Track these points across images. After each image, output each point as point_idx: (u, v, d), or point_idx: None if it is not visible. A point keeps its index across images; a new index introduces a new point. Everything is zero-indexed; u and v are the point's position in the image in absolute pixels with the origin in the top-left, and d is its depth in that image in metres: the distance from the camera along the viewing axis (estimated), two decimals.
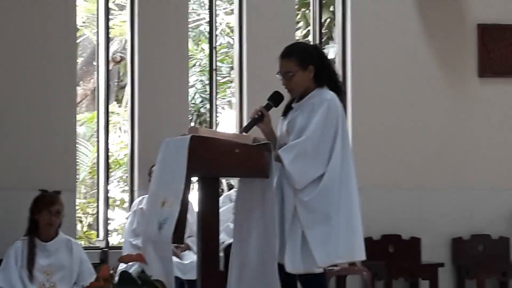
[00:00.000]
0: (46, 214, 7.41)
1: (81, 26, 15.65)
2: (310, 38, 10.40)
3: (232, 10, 13.20)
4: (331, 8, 13.60)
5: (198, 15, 16.46)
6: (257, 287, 5.76)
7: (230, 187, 9.75)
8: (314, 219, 5.76)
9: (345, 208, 5.80)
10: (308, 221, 5.76)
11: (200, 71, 16.16)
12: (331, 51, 14.04)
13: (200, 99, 16.21)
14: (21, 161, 8.53)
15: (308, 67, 5.95)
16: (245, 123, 6.27)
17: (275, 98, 6.06)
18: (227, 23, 16.12)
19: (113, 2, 15.00)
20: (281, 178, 5.83)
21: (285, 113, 6.05)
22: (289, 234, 5.78)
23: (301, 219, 5.77)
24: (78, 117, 11.55)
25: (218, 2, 11.34)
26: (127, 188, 9.40)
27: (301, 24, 15.06)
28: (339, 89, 6.04)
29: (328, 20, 14.18)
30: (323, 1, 10.14)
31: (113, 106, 15.17)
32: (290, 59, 5.96)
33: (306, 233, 5.75)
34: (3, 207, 8.35)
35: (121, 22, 15.38)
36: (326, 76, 5.98)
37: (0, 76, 8.55)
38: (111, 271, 5.71)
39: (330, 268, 8.33)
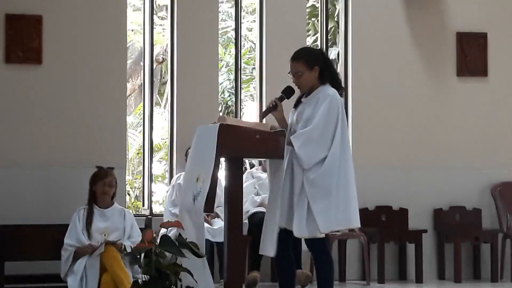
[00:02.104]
0: (101, 185, 7.47)
1: (131, 33, 15.71)
2: (318, 43, 10.37)
3: (254, 20, 13.20)
4: (336, 18, 13.57)
5: (226, 22, 16.45)
6: (265, 245, 5.83)
7: (252, 165, 9.77)
8: (318, 193, 5.78)
9: (343, 185, 5.83)
10: (313, 195, 5.78)
11: (228, 70, 16.17)
12: (334, 53, 14.03)
13: (227, 94, 16.23)
14: (82, 144, 8.57)
15: (314, 67, 5.97)
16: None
17: (288, 92, 6.11)
18: (250, 28, 16.12)
19: (156, 14, 15.02)
20: (291, 159, 5.87)
21: (295, 106, 6.10)
22: (297, 205, 5.81)
23: (307, 193, 5.79)
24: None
25: (242, 14, 11.33)
26: (167, 166, 9.43)
27: (311, 31, 15.04)
28: (339, 86, 6.06)
29: (333, 28, 14.14)
30: (329, 12, 10.11)
31: (156, 99, 15.20)
32: (299, 61, 5.99)
33: (311, 205, 5.78)
34: (68, 181, 8.42)
35: (162, 31, 15.42)
36: (328, 75, 6.00)
37: (66, 75, 8.60)
38: (154, 235, 5.76)
39: (332, 233, 8.38)
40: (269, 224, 5.79)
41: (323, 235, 5.88)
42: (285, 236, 5.82)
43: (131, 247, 6.83)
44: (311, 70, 5.96)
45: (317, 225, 5.76)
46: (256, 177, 8.87)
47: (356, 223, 5.92)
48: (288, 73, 6.04)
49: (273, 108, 6.02)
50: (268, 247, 5.77)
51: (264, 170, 8.60)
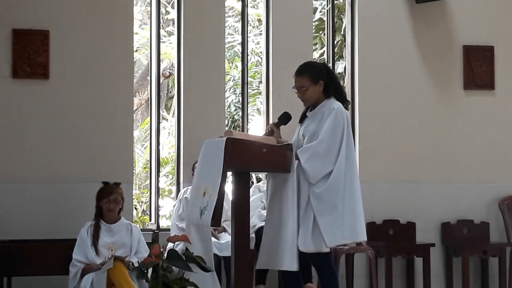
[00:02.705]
0: (106, 202, 7.49)
1: (137, 49, 15.76)
2: (324, 56, 10.38)
3: (260, 34, 13.22)
4: (342, 32, 13.59)
5: (233, 37, 16.48)
6: (283, 259, 5.79)
7: (259, 179, 9.76)
8: (323, 207, 5.79)
9: (349, 198, 5.83)
10: (319, 209, 5.79)
11: (234, 84, 16.19)
12: (341, 67, 14.04)
13: (234, 108, 16.23)
14: (89, 159, 8.59)
15: (319, 82, 6.00)
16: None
17: (284, 118, 6.18)
18: (257, 43, 16.14)
19: (163, 29, 15.08)
20: (298, 174, 5.88)
21: (301, 120, 6.11)
22: (302, 219, 5.82)
23: (313, 207, 5.80)
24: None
25: (249, 28, 11.36)
26: (174, 180, 9.44)
27: (317, 45, 15.06)
28: (344, 99, 6.09)
29: (340, 41, 14.16)
30: (336, 26, 10.11)
31: (163, 113, 15.22)
32: (304, 76, 6.01)
33: (317, 219, 5.79)
34: (75, 196, 8.42)
35: (168, 46, 15.47)
36: (333, 89, 6.03)
37: (73, 90, 8.62)
38: (161, 249, 5.77)
39: (340, 247, 8.37)
40: (286, 239, 5.76)
41: (329, 250, 5.88)
42: None
43: (138, 262, 6.83)
44: (316, 85, 5.99)
45: (323, 239, 5.76)
46: (262, 191, 8.87)
47: (362, 237, 5.92)
48: (293, 87, 6.06)
49: (270, 134, 6.07)
50: (290, 262, 5.74)
51: None
